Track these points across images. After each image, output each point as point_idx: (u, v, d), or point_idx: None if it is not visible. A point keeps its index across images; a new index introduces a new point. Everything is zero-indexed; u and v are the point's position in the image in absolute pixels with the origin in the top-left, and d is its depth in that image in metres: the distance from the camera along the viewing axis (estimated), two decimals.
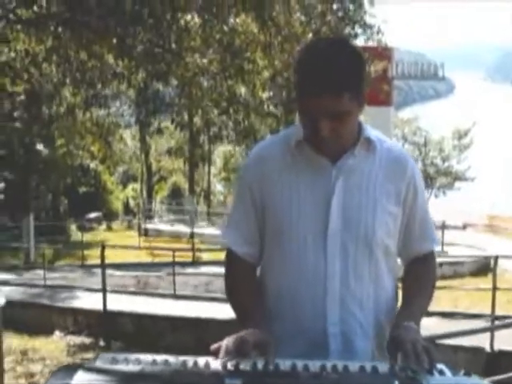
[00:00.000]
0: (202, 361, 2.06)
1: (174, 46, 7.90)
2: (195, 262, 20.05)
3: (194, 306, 13.12)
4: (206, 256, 21.56)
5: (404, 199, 2.40)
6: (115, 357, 2.10)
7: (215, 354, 2.10)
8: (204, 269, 19.02)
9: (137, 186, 44.81)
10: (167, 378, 1.98)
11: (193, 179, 33.70)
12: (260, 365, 2.02)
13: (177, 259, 16.21)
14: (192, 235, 27.63)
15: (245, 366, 2.01)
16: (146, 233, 31.36)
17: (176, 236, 28.89)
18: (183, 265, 18.44)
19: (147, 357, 2.10)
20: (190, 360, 2.08)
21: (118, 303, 12.66)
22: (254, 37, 8.84)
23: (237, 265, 2.49)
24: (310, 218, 2.32)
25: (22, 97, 18.26)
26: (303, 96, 2.23)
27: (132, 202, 45.05)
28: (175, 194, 44.33)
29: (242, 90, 10.25)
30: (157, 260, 21.17)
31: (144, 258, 22.28)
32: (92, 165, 35.23)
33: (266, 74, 9.61)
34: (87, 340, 11.77)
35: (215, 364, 2.03)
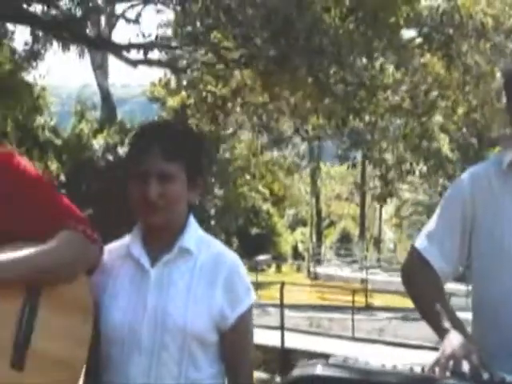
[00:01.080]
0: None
1: (367, 83, 8.07)
2: (368, 307, 19.95)
3: (369, 349, 13.02)
4: (377, 302, 21.37)
5: None
6: (345, 358, 2.20)
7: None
8: (377, 314, 18.87)
9: (305, 230, 45.23)
10: (400, 376, 2.05)
11: (364, 224, 33.59)
12: (484, 375, 2.03)
13: (348, 304, 16.21)
14: (366, 281, 27.41)
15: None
16: (315, 276, 31.54)
17: (346, 281, 28.83)
18: (356, 309, 18.40)
19: (375, 361, 2.18)
20: (416, 366, 2.14)
21: (294, 341, 12.80)
22: (440, 76, 8.88)
23: (425, 270, 2.46)
24: None
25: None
26: None
27: (301, 246, 45.49)
28: (344, 239, 44.33)
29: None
30: (327, 303, 21.26)
31: (314, 300, 22.41)
32: (264, 207, 36.09)
33: (460, 111, 9.60)
34: (264, 375, 11.95)
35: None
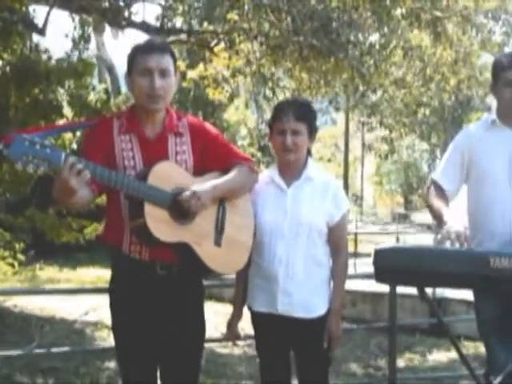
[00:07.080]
0: None
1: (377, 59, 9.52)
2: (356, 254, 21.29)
3: None
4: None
5: None
6: None
7: None
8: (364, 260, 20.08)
9: None
10: None
11: (347, 182, 34.73)
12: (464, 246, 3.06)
13: None
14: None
15: None
16: None
17: None
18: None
19: None
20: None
21: None
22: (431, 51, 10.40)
23: (438, 190, 3.64)
24: (500, 167, 3.49)
25: None
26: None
27: None
28: None
29: None
30: None
31: None
32: None
33: (452, 83, 11.17)
34: None
35: None
